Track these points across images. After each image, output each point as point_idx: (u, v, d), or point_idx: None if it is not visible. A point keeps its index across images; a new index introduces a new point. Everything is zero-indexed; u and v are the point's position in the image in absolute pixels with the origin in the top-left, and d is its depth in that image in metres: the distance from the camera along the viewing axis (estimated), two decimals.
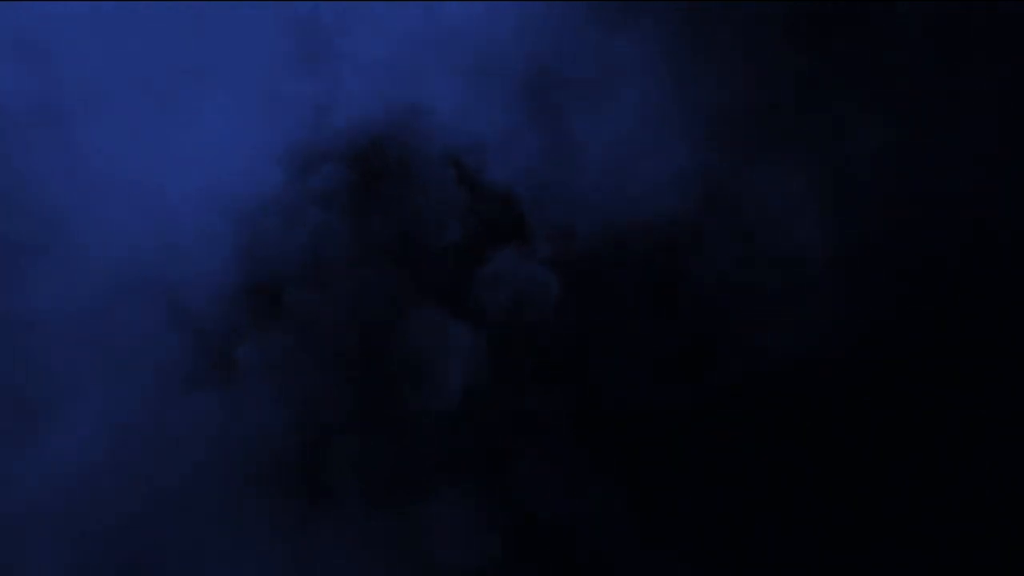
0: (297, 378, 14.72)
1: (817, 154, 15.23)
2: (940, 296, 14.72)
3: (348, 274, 15.03)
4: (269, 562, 14.22)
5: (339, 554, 14.21)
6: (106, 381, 14.39)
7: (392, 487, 14.46)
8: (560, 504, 14.49)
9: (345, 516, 14.35)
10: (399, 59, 15.50)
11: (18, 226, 14.65)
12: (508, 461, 14.67)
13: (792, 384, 14.55)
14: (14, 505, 13.98)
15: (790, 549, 14.09)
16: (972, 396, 14.41)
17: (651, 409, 14.67)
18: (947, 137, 15.11)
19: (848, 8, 15.35)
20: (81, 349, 14.39)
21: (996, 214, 14.92)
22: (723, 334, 14.79)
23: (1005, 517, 13.76)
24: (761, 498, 14.26)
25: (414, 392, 14.80)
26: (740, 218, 15.03)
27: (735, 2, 15.37)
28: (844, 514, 14.18)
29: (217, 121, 15.20)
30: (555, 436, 14.73)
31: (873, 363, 14.57)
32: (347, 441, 14.63)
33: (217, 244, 14.89)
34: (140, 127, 15.10)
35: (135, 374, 14.44)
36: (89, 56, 15.01)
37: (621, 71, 15.48)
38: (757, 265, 14.91)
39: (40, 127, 14.92)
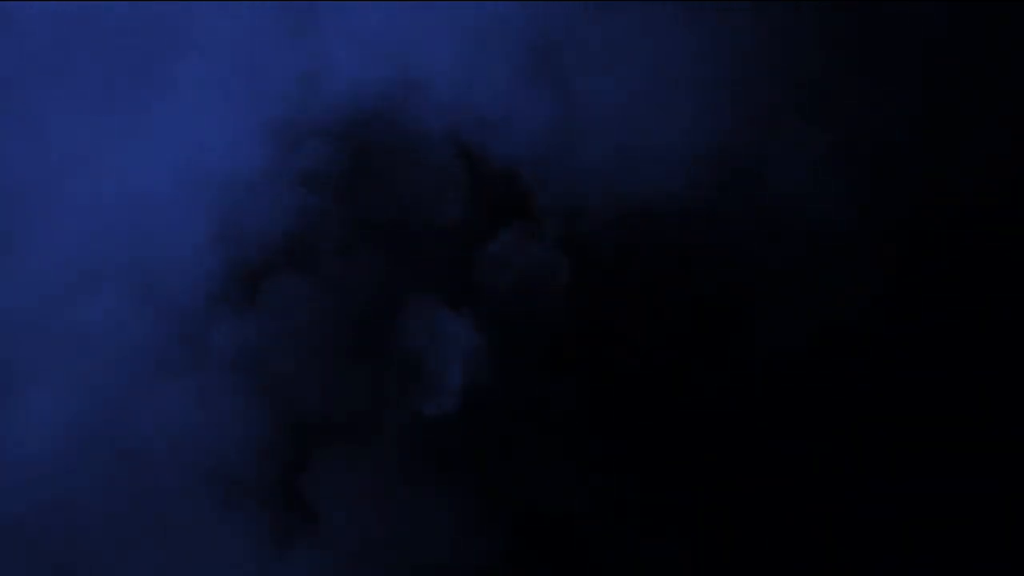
0: (279, 375, 13.47)
1: (842, 124, 14.00)
2: (972, 272, 13.56)
3: (336, 260, 13.77)
4: None
5: (321, 568, 12.97)
6: (67, 375, 13.16)
7: (383, 496, 13.23)
8: (574, 508, 13.30)
9: (329, 527, 13.11)
10: (393, 26, 14.22)
11: None
12: (513, 463, 13.42)
13: (818, 367, 13.34)
14: None
15: (812, 544, 12.96)
16: (1008, 374, 13.27)
17: (669, 401, 13.44)
18: (981, 108, 13.93)
19: None
20: (41, 340, 13.17)
21: None
22: (745, 316, 13.54)
23: None
24: (784, 490, 13.10)
25: (409, 390, 13.52)
26: (761, 191, 13.79)
27: None
28: (869, 508, 13.06)
29: (193, 93, 13.95)
30: (566, 433, 13.48)
31: (903, 340, 13.40)
32: (334, 444, 13.41)
33: (192, 227, 13.63)
34: (108, 100, 13.85)
35: (100, 367, 13.22)
36: (52, 22, 13.77)
37: (632, 37, 14.21)
38: (780, 241, 13.66)
39: None
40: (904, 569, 12.65)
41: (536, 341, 13.69)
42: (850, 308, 13.40)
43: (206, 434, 13.26)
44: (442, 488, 13.29)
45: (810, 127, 13.84)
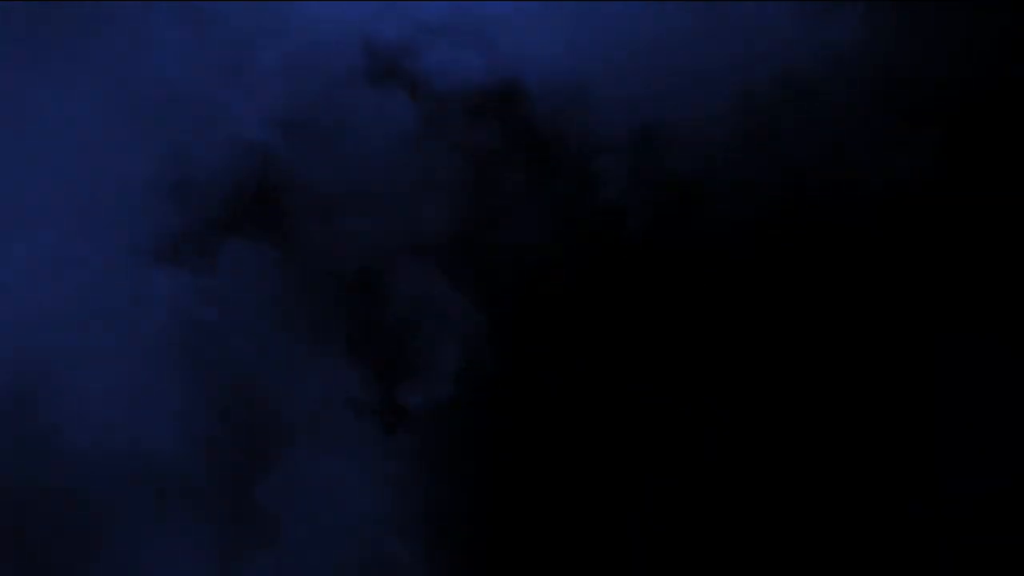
0: (236, 356, 11.12)
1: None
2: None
3: (308, 218, 11.39)
4: None
5: None
6: None
7: (360, 507, 10.89)
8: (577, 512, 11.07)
9: (291, 544, 10.78)
10: None
11: None
12: (512, 465, 11.08)
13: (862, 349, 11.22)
14: None
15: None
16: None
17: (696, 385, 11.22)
18: None
19: None
20: None
21: None
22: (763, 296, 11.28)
23: None
24: (785, 494, 11.13)
25: (394, 377, 11.17)
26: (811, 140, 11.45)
27: None
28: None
29: (137, 16, 11.59)
30: (578, 429, 11.17)
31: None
32: (300, 443, 11.05)
33: (134, 168, 11.27)
34: (37, 28, 11.57)
35: (11, 333, 10.85)
36: None
37: None
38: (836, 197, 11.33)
39: None
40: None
41: (547, 319, 11.34)
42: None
43: (141, 426, 10.93)
44: (432, 497, 10.99)
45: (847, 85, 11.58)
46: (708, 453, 11.17)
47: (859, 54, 11.54)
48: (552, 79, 11.60)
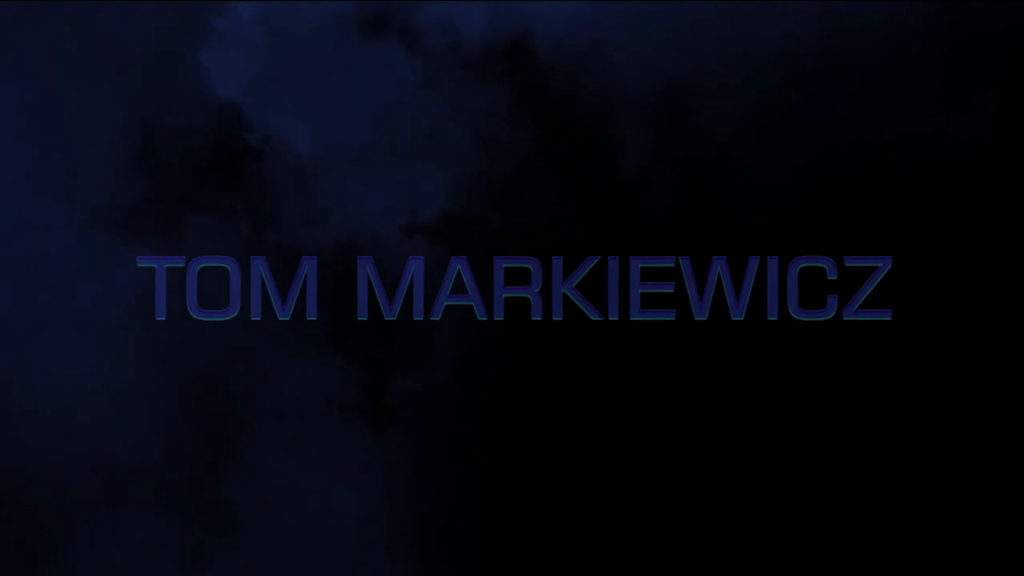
0: (206, 346, 10.17)
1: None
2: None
3: (290, 194, 10.24)
4: None
5: None
6: None
7: (346, 515, 10.20)
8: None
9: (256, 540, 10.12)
10: None
11: None
12: (518, 466, 10.42)
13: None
14: None
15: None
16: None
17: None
18: None
19: None
20: None
21: None
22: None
23: None
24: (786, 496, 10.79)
25: (381, 361, 10.28)
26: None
27: None
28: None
29: None
30: (578, 429, 10.49)
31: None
32: (275, 433, 10.25)
33: (92, 144, 10.03)
34: None
35: None
36: None
37: None
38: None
39: None
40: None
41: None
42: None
43: (100, 419, 10.14)
44: (424, 500, 10.36)
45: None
46: (708, 453, 10.70)
47: (912, 18, 10.46)
48: (566, 33, 10.39)
